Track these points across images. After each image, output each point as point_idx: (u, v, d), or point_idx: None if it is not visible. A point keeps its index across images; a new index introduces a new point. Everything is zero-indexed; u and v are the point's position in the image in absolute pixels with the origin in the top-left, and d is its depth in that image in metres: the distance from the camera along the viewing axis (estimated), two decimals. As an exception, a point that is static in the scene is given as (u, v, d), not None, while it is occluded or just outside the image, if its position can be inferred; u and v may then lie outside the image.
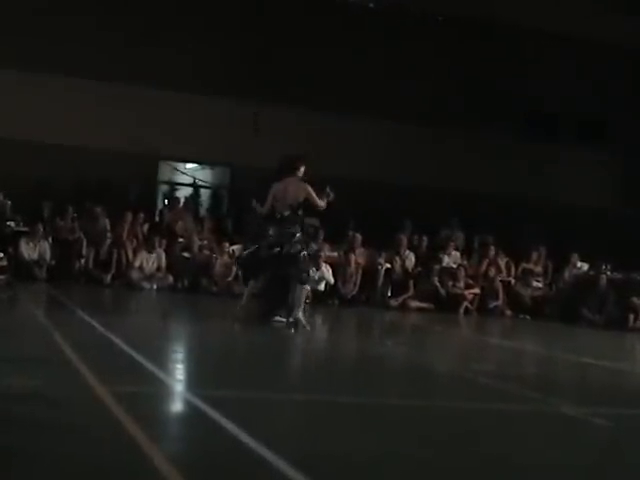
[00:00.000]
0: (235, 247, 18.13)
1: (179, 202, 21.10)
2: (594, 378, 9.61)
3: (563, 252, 20.09)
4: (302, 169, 11.26)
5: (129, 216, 18.56)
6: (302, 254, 11.02)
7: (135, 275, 17.62)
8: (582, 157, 24.15)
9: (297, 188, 11.10)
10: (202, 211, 22.70)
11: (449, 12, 22.87)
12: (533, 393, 7.31)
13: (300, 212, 11.19)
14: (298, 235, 11.03)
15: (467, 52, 23.17)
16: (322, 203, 11.19)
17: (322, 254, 16.46)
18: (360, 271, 18.26)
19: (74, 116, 20.14)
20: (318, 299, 16.76)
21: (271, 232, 11.00)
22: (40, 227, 17.48)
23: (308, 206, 11.28)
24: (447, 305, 18.31)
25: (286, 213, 11.06)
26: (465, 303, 18.49)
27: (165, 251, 18.07)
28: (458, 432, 5.49)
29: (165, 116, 20.98)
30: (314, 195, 11.08)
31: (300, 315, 11.02)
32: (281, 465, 4.14)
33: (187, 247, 18.61)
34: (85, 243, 17.76)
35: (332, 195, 11.22)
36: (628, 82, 24.30)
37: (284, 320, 11.11)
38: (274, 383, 6.89)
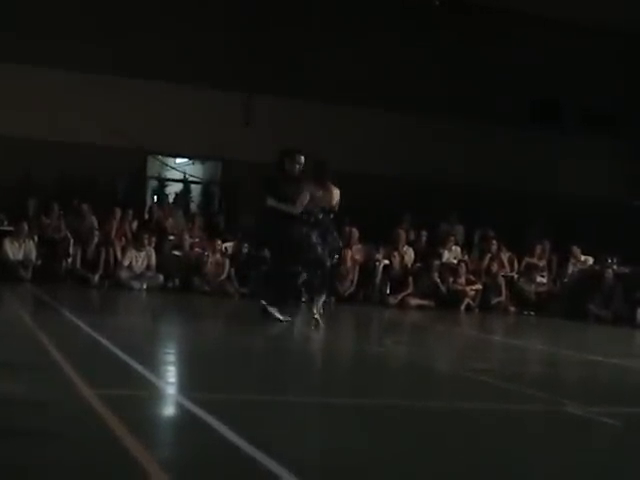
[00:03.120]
0: (227, 244, 17.88)
1: (169, 198, 20.82)
2: (602, 376, 9.44)
3: (568, 246, 19.82)
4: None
5: (118, 213, 18.24)
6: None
7: (124, 274, 17.29)
8: (587, 148, 23.87)
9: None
10: (193, 207, 22.48)
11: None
12: (538, 392, 7.17)
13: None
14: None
15: (468, 41, 22.83)
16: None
17: None
18: (357, 268, 17.98)
19: (58, 109, 19.77)
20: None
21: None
22: (25, 226, 17.15)
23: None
24: (448, 302, 18.04)
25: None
26: (467, 300, 18.23)
27: (155, 249, 17.75)
28: (460, 433, 5.40)
29: (153, 109, 20.65)
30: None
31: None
32: (277, 469, 4.06)
33: (178, 245, 18.32)
34: (72, 242, 17.43)
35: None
36: (635, 70, 23.86)
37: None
38: (269, 385, 6.80)
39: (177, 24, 20.80)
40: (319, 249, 11.29)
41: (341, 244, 12.67)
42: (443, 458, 4.69)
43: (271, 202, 11.35)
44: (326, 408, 5.95)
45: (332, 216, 11.48)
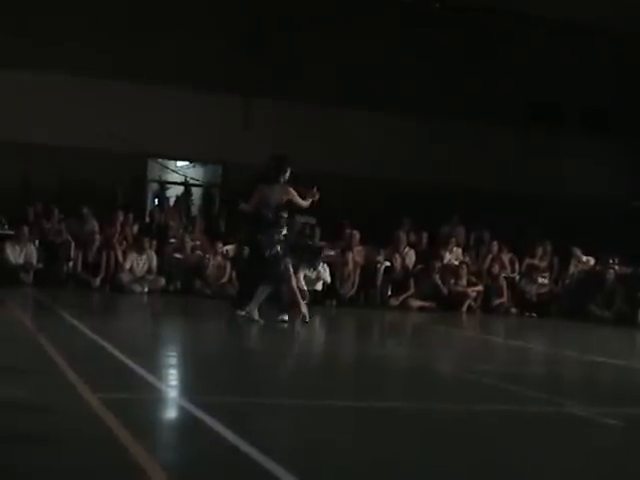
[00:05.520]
0: (228, 247, 17.84)
1: (170, 201, 20.75)
2: (603, 376, 9.49)
3: (569, 247, 19.71)
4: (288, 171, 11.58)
5: (119, 217, 18.15)
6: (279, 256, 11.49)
7: (125, 278, 17.24)
8: (588, 149, 23.81)
9: (280, 191, 11.45)
10: (194, 210, 22.38)
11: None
12: (541, 394, 7.18)
13: (284, 214, 11.62)
14: (277, 237, 11.44)
15: (469, 43, 22.79)
16: (305, 203, 11.61)
17: (324, 249, 17.19)
18: (358, 270, 17.94)
19: (58, 114, 19.76)
20: (316, 299, 16.46)
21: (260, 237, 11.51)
22: (26, 230, 17.07)
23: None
24: (449, 303, 17.99)
25: (270, 215, 11.42)
26: (468, 301, 18.17)
27: (156, 252, 17.72)
28: (463, 435, 5.40)
29: (154, 112, 20.62)
30: (296, 196, 11.46)
31: (254, 312, 11.37)
32: (278, 471, 4.06)
33: (179, 248, 18.27)
34: (73, 245, 17.38)
35: (317, 195, 11.62)
36: (636, 71, 23.81)
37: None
38: (270, 387, 6.83)
39: (177, 28, 20.78)
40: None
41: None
42: (445, 459, 4.69)
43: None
44: (327, 410, 5.94)
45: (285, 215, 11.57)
